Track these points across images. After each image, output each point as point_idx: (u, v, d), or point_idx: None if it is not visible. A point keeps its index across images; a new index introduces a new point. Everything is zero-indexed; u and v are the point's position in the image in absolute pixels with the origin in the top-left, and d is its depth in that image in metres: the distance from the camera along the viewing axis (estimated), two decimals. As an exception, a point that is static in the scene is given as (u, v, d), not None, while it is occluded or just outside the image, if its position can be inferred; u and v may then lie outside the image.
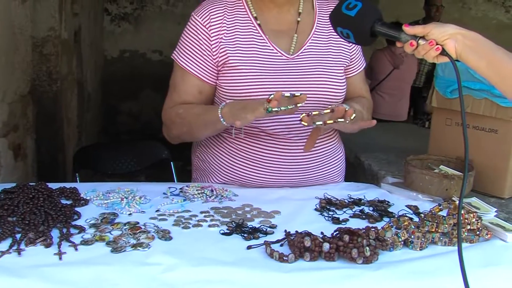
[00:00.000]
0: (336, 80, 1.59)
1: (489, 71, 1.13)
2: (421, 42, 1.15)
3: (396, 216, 1.40)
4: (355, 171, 2.32)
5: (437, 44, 1.13)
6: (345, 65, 1.66)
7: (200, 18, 1.57)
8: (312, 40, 1.61)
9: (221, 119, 1.43)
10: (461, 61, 1.15)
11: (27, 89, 2.84)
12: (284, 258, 1.12)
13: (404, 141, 2.69)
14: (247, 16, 1.58)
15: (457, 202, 1.51)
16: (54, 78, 3.14)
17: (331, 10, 1.62)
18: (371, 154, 2.38)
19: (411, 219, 1.36)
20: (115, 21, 6.06)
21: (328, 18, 1.61)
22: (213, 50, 1.55)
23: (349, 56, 1.67)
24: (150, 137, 6.20)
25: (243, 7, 1.59)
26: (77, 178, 2.36)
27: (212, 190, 1.49)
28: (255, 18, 1.58)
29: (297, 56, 1.57)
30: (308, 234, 1.18)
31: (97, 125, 5.30)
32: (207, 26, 1.55)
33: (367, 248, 1.14)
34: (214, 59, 1.55)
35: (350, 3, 1.23)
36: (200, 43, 1.56)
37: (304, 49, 1.59)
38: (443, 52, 1.14)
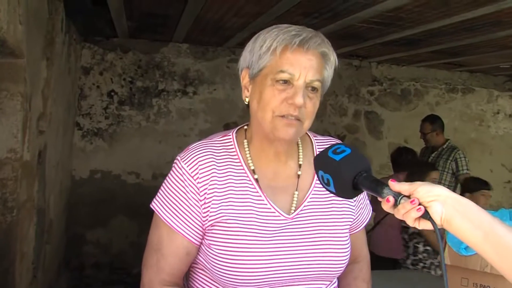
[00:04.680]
0: (339, 242, 1.58)
1: (485, 244, 1.09)
2: (403, 200, 1.13)
3: None
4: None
5: (419, 205, 1.11)
6: (350, 222, 1.65)
7: (187, 167, 1.54)
8: (313, 194, 1.61)
9: None
10: (448, 229, 1.11)
11: (-24, 221, 2.82)
12: None
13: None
14: (241, 168, 1.58)
15: None
16: (10, 207, 3.12)
17: None
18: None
19: None
20: (87, 137, 6.19)
21: None
22: (202, 206, 1.53)
23: (354, 211, 1.66)
24: (121, 271, 6.15)
25: (236, 157, 1.59)
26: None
27: None
28: (253, 171, 1.57)
29: (297, 215, 1.57)
30: None
31: (57, 257, 5.22)
32: (195, 178, 1.53)
33: None
34: (203, 217, 1.53)
35: (338, 148, 1.26)
36: (188, 198, 1.53)
37: (305, 206, 1.58)
38: (426, 216, 1.10)
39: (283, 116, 1.48)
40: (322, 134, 1.79)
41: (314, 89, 1.49)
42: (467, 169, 5.65)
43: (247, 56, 1.57)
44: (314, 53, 1.49)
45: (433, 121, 5.85)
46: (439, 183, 5.45)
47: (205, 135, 1.69)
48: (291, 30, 1.50)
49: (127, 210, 6.10)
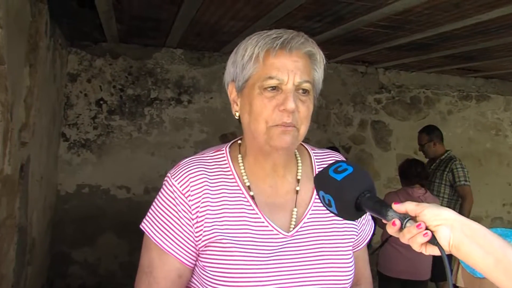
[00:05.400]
0: (342, 260, 1.58)
1: (497, 271, 1.08)
2: (409, 224, 1.14)
3: None
4: None
5: (426, 229, 1.12)
6: (353, 239, 1.65)
7: (178, 184, 1.54)
8: (312, 210, 1.61)
9: None
10: (457, 256, 1.11)
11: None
12: None
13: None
14: (235, 185, 1.57)
15: None
16: (-12, 226, 3.10)
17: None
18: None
19: None
20: (74, 149, 6.18)
21: None
22: (195, 226, 1.52)
23: (357, 227, 1.67)
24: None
25: (230, 173, 1.59)
26: None
27: None
28: (248, 188, 1.57)
29: (296, 232, 1.56)
30: None
31: (40, 279, 5.18)
32: (186, 195, 1.53)
33: None
34: (196, 237, 1.53)
35: (340, 166, 1.27)
36: (179, 217, 1.53)
37: (304, 223, 1.58)
38: (433, 241, 1.11)
39: (277, 126, 1.48)
40: (322, 148, 1.80)
41: (305, 91, 1.50)
42: (465, 180, 5.54)
43: (230, 69, 1.59)
44: (299, 54, 1.50)
45: (429, 132, 5.90)
46: (437, 197, 5.44)
47: (201, 147, 1.69)
48: (271, 33, 1.51)
49: (116, 227, 6.06)
